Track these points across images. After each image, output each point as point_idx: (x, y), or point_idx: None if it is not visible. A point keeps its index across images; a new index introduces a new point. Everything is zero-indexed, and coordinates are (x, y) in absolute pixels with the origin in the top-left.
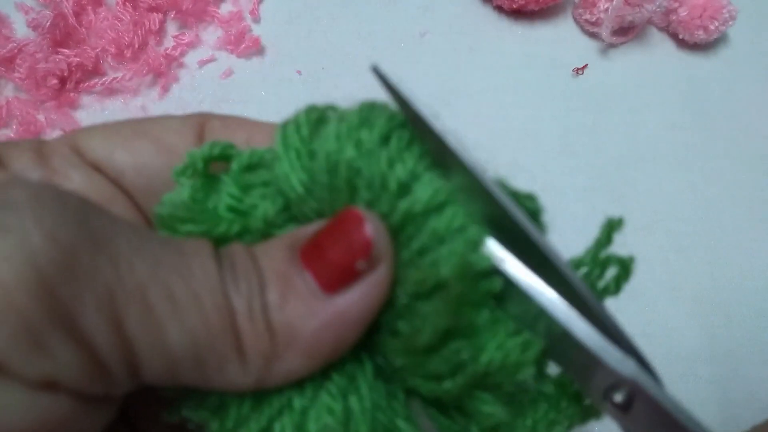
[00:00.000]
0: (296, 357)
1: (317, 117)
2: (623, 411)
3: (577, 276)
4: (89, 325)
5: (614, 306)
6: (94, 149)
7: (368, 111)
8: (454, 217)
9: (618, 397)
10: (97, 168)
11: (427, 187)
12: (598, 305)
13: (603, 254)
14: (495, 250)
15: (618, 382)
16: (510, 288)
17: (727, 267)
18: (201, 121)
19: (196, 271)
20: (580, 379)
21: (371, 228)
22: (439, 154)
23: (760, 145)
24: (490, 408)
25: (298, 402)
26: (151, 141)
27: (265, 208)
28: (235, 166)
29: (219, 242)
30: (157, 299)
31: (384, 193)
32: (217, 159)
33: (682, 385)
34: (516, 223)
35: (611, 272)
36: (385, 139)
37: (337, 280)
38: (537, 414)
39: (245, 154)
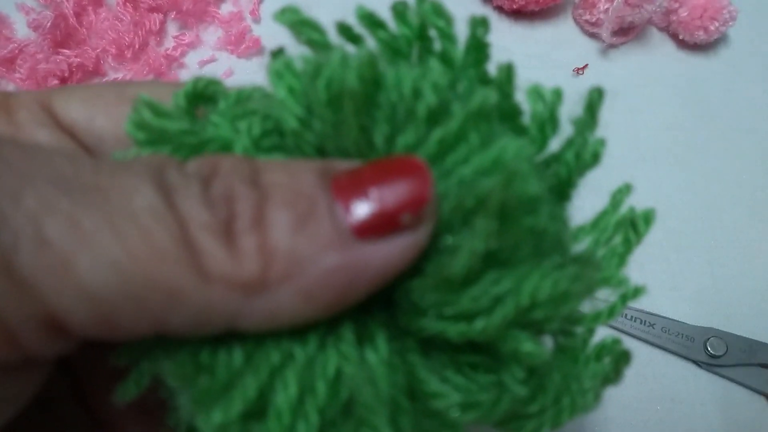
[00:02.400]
0: (292, 294)
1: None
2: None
3: None
4: None
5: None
6: (72, 112)
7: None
8: (502, 151)
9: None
10: (70, 132)
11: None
12: None
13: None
14: None
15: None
16: None
17: (727, 267)
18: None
19: (121, 191)
20: None
21: (432, 185)
22: None
23: (760, 145)
24: (530, 346)
25: (300, 352)
26: None
27: (252, 125)
28: (222, 104)
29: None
30: (55, 230)
31: (411, 123)
32: (202, 97)
33: (683, 385)
34: None
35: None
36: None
37: (373, 226)
38: (564, 369)
39: (233, 91)
